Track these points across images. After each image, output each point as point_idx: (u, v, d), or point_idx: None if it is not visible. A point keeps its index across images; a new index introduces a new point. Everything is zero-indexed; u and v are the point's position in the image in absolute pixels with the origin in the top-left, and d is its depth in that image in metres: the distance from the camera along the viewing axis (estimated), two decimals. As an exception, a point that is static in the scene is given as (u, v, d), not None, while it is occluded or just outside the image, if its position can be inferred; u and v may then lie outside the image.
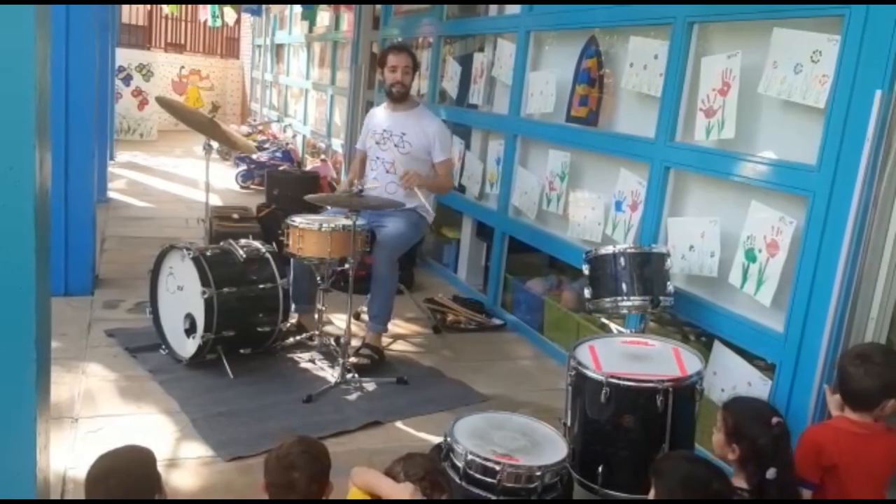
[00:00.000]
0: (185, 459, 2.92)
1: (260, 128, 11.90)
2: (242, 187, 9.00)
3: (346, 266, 3.69)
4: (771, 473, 2.10)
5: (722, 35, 3.35)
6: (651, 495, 2.00)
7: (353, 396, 3.56)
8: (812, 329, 2.70)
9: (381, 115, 4.40)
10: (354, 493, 2.09)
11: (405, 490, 2.02)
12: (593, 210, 4.02)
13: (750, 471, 2.15)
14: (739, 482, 2.17)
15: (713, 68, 3.25)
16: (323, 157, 9.17)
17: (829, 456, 2.20)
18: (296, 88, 11.57)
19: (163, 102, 4.31)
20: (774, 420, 2.18)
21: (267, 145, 10.05)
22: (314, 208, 4.16)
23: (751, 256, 3.02)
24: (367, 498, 2.06)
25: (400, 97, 4.28)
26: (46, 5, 1.82)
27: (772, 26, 2.97)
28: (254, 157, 9.12)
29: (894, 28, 2.49)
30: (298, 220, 3.78)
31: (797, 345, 2.75)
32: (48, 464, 2.06)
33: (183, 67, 15.21)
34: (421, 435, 3.24)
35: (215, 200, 7.60)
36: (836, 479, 2.19)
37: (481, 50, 5.54)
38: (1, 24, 1.63)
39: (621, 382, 2.59)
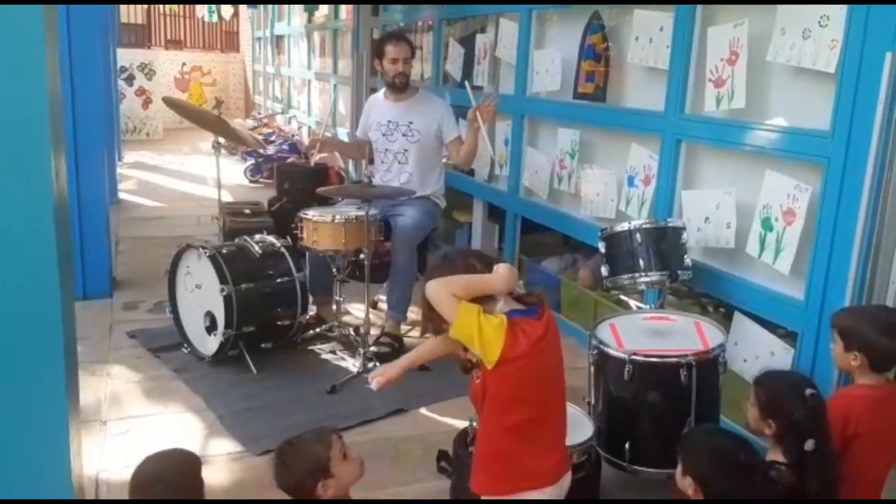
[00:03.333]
0: (215, 456, 2.95)
1: (265, 121, 11.86)
2: (252, 181, 9.02)
3: (361, 256, 3.70)
4: (809, 445, 2.07)
5: (727, 4, 3.31)
6: (678, 472, 2.01)
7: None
8: (833, 295, 2.69)
9: (383, 106, 4.37)
10: (467, 308, 1.86)
11: (507, 269, 1.93)
12: (606, 186, 4.01)
13: (788, 445, 2.13)
14: (777, 456, 2.15)
15: (720, 38, 3.22)
16: (322, 152, 9.13)
17: (854, 425, 2.19)
18: (298, 79, 11.55)
19: (169, 103, 4.32)
20: (808, 392, 2.14)
21: (273, 138, 10.04)
22: (325, 200, 4.17)
23: (767, 225, 3.00)
24: (477, 311, 1.86)
25: (402, 87, 4.27)
26: (53, 6, 1.81)
27: (777, -7, 2.94)
28: (261, 150, 9.12)
29: (903, -12, 2.47)
30: (311, 213, 3.79)
31: (818, 312, 2.74)
32: (82, 469, 2.09)
33: (184, 64, 15.18)
34: (446, 420, 3.26)
35: (226, 196, 7.53)
36: (859, 447, 2.18)
37: (483, 31, 5.50)
38: (9, 31, 1.62)
39: (644, 359, 2.59)
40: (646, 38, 3.67)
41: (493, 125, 4.23)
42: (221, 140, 4.38)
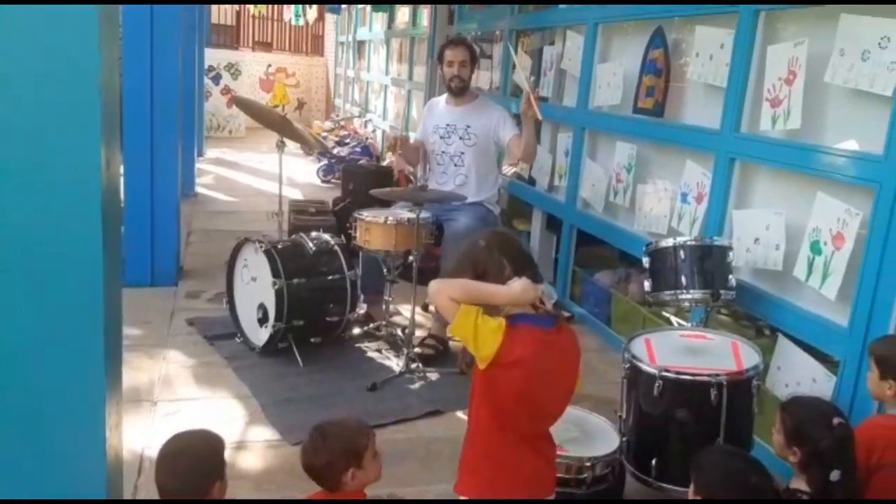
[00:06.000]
0: (252, 442, 3.07)
1: (342, 123, 12.15)
2: (323, 181, 9.24)
3: (411, 258, 3.78)
4: (835, 476, 2.03)
5: (788, 23, 3.27)
6: (690, 490, 2.00)
7: (416, 385, 3.66)
8: (877, 324, 2.62)
9: (443, 110, 4.46)
10: (466, 311, 1.85)
11: (522, 287, 1.87)
12: (659, 202, 3.99)
13: (812, 474, 2.08)
14: (800, 484, 2.12)
15: (779, 57, 3.18)
16: (400, 151, 9.29)
17: (878, 455, 2.13)
18: (376, 84, 11.78)
19: (239, 102, 4.50)
20: (836, 421, 2.09)
21: (348, 140, 10.27)
22: (387, 202, 4.27)
23: (816, 249, 2.94)
24: (475, 312, 1.84)
25: (459, 91, 4.35)
26: (111, 6, 1.93)
27: (839, 12, 2.88)
28: (334, 151, 9.35)
29: (965, 11, 2.40)
30: (365, 214, 3.90)
31: (862, 340, 2.66)
32: (120, 441, 2.20)
33: (270, 66, 15.63)
34: (479, 424, 3.29)
35: (296, 194, 7.87)
36: (883, 480, 2.13)
37: (552, 43, 5.53)
38: (63, 27, 1.73)
39: (675, 376, 2.58)
40: (706, 54, 3.64)
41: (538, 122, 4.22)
42: (286, 141, 4.52)
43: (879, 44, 2.72)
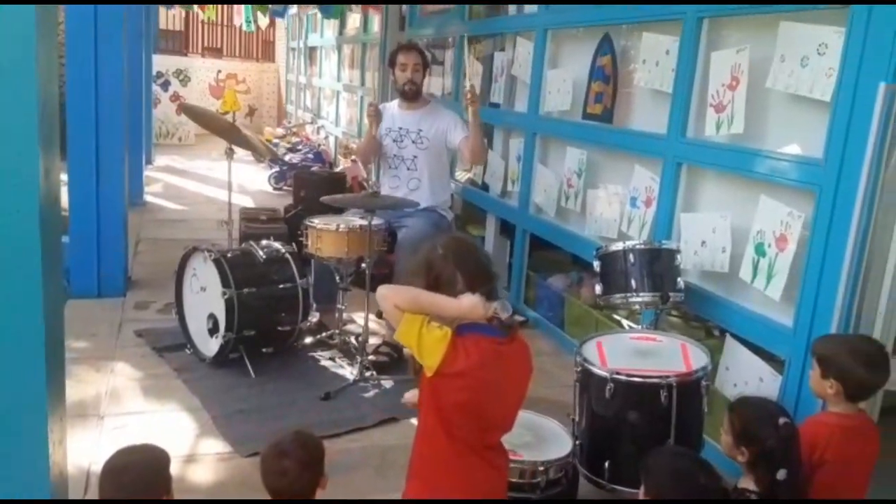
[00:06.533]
0: (203, 455, 3.01)
1: (294, 129, 12.06)
2: (275, 188, 9.14)
3: (363, 266, 3.76)
4: (781, 475, 2.07)
5: (731, 30, 3.33)
6: (641, 492, 2.02)
7: (370, 394, 3.63)
8: (820, 324, 2.68)
9: (395, 113, 4.47)
10: (410, 319, 1.82)
11: (470, 304, 1.83)
12: (610, 206, 4.04)
13: (760, 473, 2.13)
14: (748, 484, 2.16)
15: (723, 63, 3.24)
16: (353, 157, 9.25)
17: (820, 452, 2.19)
18: (328, 90, 11.71)
19: (187, 110, 4.43)
20: (782, 421, 2.13)
21: (300, 147, 10.19)
22: (339, 209, 4.25)
23: (761, 251, 3.00)
24: (420, 321, 1.81)
25: (412, 95, 4.36)
26: (50, 7, 1.88)
27: (779, 20, 2.96)
28: (286, 158, 9.26)
29: (898, 20, 2.47)
30: (316, 221, 3.87)
31: (806, 339, 2.72)
32: (65, 458, 2.16)
33: (220, 72, 15.43)
34: (434, 431, 3.28)
35: (247, 202, 7.78)
36: (825, 476, 2.18)
37: (503, 49, 5.57)
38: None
39: (625, 378, 2.60)
40: (652, 60, 3.70)
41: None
42: (235, 148, 4.47)
43: (818, 50, 2.79)
